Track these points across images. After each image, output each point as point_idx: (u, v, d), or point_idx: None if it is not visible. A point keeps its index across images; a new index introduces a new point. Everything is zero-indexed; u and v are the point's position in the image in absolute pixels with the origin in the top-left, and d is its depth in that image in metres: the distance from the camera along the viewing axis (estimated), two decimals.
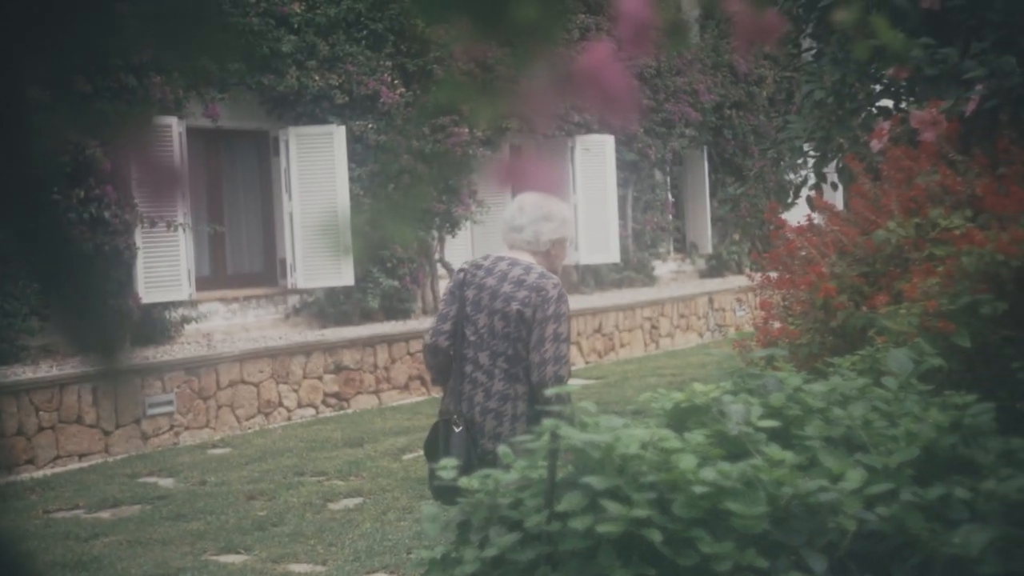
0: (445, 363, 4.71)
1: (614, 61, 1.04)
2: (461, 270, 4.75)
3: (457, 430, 4.58)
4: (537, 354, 4.53)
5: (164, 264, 12.29)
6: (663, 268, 19.78)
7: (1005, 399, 3.94)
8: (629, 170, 18.42)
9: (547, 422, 3.10)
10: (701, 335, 17.74)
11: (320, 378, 12.33)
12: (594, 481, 2.87)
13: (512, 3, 0.96)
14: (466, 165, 14.74)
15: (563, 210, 4.86)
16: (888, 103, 7.04)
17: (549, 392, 4.17)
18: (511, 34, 0.98)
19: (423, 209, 14.22)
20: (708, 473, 2.86)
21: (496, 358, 4.59)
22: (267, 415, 11.82)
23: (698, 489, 2.82)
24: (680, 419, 3.37)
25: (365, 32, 13.98)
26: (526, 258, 4.69)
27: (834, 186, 7.39)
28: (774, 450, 3.06)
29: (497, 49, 1.06)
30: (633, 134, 17.90)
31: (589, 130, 17.07)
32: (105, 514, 8.32)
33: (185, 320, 12.60)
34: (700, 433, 3.14)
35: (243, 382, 11.65)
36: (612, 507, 2.78)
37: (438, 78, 14.30)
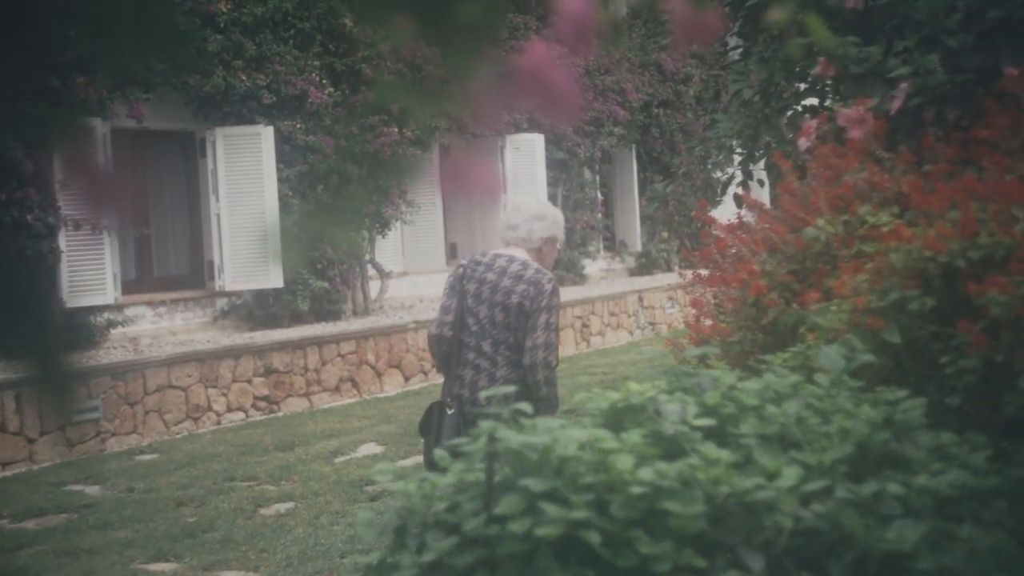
0: (449, 351, 5.11)
1: (556, 61, 1.02)
2: (460, 266, 5.21)
3: (449, 412, 5.08)
4: (530, 340, 4.98)
5: (89, 268, 12.12)
6: (593, 266, 19.83)
7: (933, 394, 3.98)
8: (559, 169, 18.46)
9: (484, 424, 3.08)
10: (631, 333, 17.81)
11: (249, 381, 12.21)
12: (532, 483, 2.85)
13: (455, 2, 0.94)
14: (396, 165, 14.64)
15: (555, 212, 5.37)
16: (814, 101, 7.10)
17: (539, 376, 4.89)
18: (454, 33, 0.95)
19: (357, 210, 14.14)
20: (645, 473, 2.85)
21: (499, 346, 5.03)
22: (196, 420, 11.69)
23: (636, 490, 2.82)
24: (616, 419, 3.36)
25: (292, 31, 13.88)
26: (521, 254, 5.16)
27: (761, 183, 7.44)
28: (710, 449, 3.07)
29: (437, 48, 1.04)
30: (562, 133, 17.94)
31: (519, 129, 17.08)
32: (30, 524, 8.18)
33: (111, 324, 12.42)
34: (636, 433, 3.13)
35: (171, 387, 11.50)
36: (550, 509, 2.77)
37: (371, 77, 14.23)
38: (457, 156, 16.36)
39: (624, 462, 2.90)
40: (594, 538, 2.76)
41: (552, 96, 1.02)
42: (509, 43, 14.32)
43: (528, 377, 4.98)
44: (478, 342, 5.06)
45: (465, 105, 1.01)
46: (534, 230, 5.21)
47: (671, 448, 3.18)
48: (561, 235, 5.38)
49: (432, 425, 5.16)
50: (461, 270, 5.17)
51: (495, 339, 5.04)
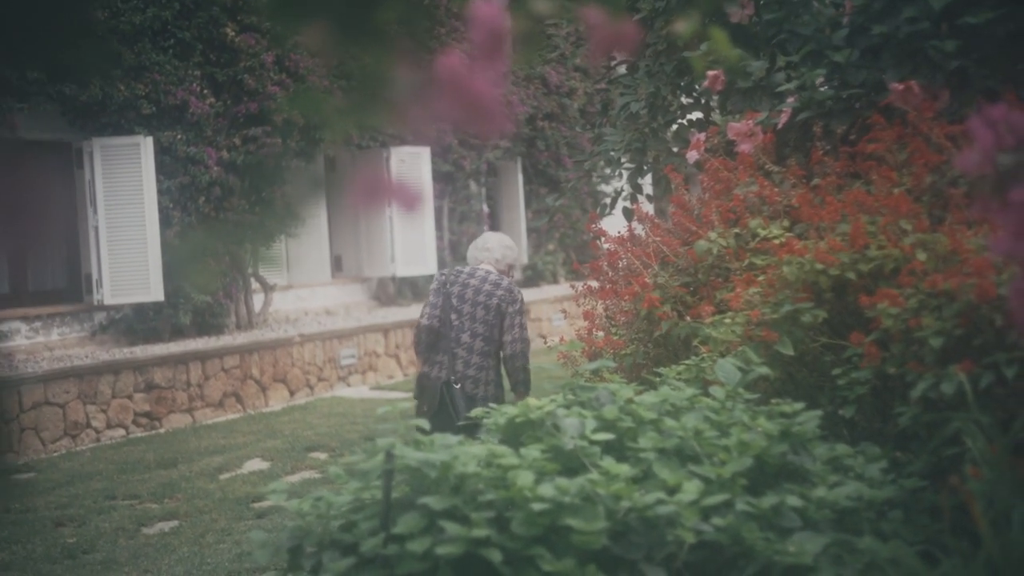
0: (433, 340, 6.50)
1: (481, 71, 0.97)
2: (442, 274, 6.69)
3: (457, 387, 6.41)
4: (508, 335, 6.47)
5: None
6: None
7: (826, 405, 4.01)
8: (444, 181, 18.41)
9: (381, 441, 3.02)
10: None
11: (130, 397, 11.93)
12: (431, 501, 2.80)
13: (375, 8, 0.89)
14: (279, 176, 14.48)
15: (515, 245, 6.97)
16: (700, 115, 7.16)
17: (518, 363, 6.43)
18: (372, 39, 0.90)
19: (235, 222, 13.92)
20: (546, 489, 2.82)
21: (475, 338, 6.46)
22: (74, 437, 11.37)
23: (537, 506, 2.78)
24: (514, 434, 3.33)
25: (172, 40, 13.61)
26: (493, 270, 6.65)
27: (649, 198, 7.48)
28: (610, 464, 3.04)
29: (356, 56, 0.98)
30: (448, 145, 17.90)
31: (404, 141, 16.99)
32: None
33: None
34: (536, 448, 3.10)
35: (48, 403, 11.18)
36: (451, 528, 2.72)
37: (296, 88, 14.02)
38: (373, 169, 16.22)
39: (524, 478, 2.87)
40: (495, 556, 2.72)
41: (476, 107, 0.97)
42: (430, 55, 14.19)
43: (507, 364, 6.50)
44: (459, 334, 6.47)
45: (387, 117, 0.96)
46: (506, 256, 6.78)
47: (570, 463, 3.15)
48: (516, 263, 7.14)
49: (446, 401, 6.40)
50: (444, 277, 6.63)
51: (473, 331, 6.46)
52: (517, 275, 20.66)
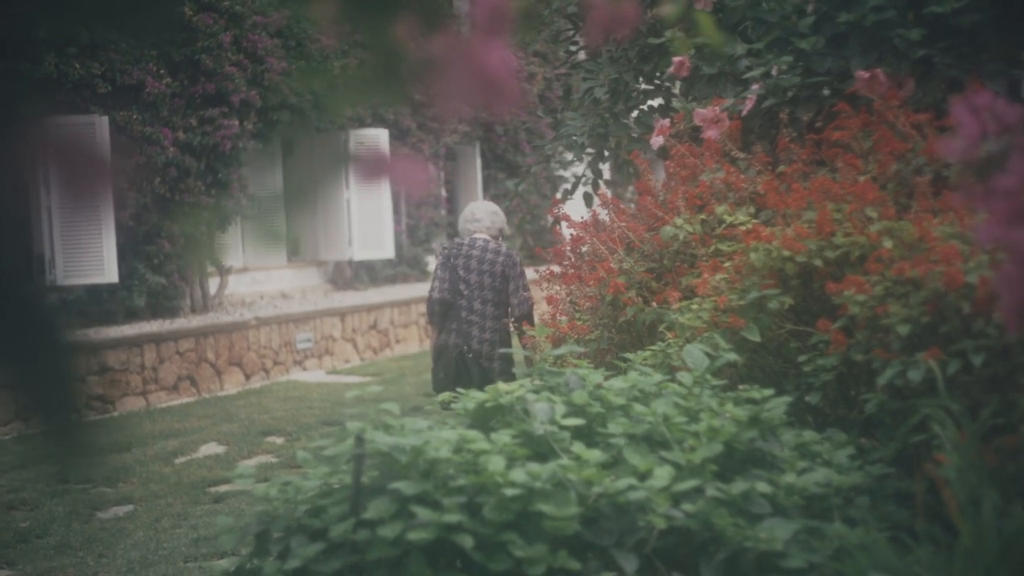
0: (446, 310, 7.05)
1: (494, 45, 0.95)
2: (444, 247, 7.40)
3: (470, 356, 6.98)
4: (515, 298, 7.02)
5: None
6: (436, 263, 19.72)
7: (791, 391, 4.02)
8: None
9: (351, 425, 3.00)
10: None
11: (83, 380, 11.81)
12: (402, 486, 2.78)
13: None
14: (236, 158, 14.36)
15: (500, 210, 7.46)
16: (660, 101, 7.16)
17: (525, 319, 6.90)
18: (386, 14, 0.88)
19: (191, 204, 13.79)
20: (518, 475, 2.81)
21: (486, 304, 7.02)
22: (25, 420, 11.24)
23: (509, 491, 2.77)
24: (484, 419, 3.31)
25: None
26: (488, 237, 7.17)
27: (608, 183, 7.48)
28: (580, 449, 3.03)
29: (360, 28, 0.95)
30: (406, 128, 17.83)
31: (363, 124, 16.91)
32: None
33: None
34: (506, 433, 3.09)
35: None
36: (422, 513, 2.70)
37: (295, 64, 13.87)
38: (390, 152, 16.12)
39: (496, 463, 2.85)
40: (467, 541, 2.70)
41: (490, 82, 0.95)
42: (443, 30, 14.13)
43: (518, 319, 6.95)
44: (470, 303, 7.01)
45: (399, 94, 0.93)
46: (495, 222, 7.27)
47: (540, 448, 3.13)
48: (507, 228, 7.44)
49: (459, 371, 7.02)
50: (447, 251, 7.20)
51: (483, 298, 7.01)
52: None
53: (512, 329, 7.02)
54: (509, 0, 1.16)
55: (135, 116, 13.45)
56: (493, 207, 7.43)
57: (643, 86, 7.22)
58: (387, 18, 0.87)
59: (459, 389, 6.78)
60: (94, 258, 13.06)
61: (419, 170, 1.09)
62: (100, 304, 13.59)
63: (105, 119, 13.10)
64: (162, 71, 13.77)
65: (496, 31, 1.14)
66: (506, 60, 0.96)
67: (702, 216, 4.89)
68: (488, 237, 7.21)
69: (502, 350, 6.93)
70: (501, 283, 7.03)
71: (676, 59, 5.81)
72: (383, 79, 0.88)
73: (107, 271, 13.16)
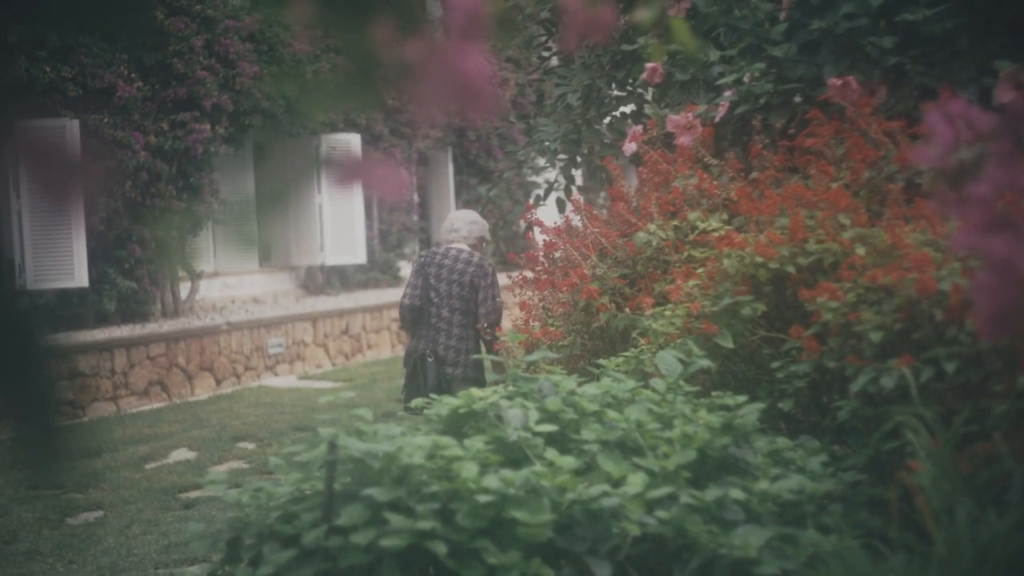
0: (417, 316, 7.18)
1: (469, 51, 0.94)
2: (420, 255, 7.39)
3: (431, 360, 7.10)
4: (483, 308, 7.12)
5: None
6: (409, 268, 19.69)
7: (764, 398, 4.02)
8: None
9: (323, 431, 2.98)
10: None
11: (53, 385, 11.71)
12: (375, 493, 2.76)
13: None
14: (207, 163, 14.30)
15: (481, 218, 7.52)
16: (633, 108, 7.17)
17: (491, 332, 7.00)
18: (362, 18, 0.87)
19: (162, 208, 13.73)
20: (491, 481, 2.79)
21: (454, 312, 7.12)
22: None
23: (482, 498, 2.76)
24: (457, 425, 3.30)
25: None
26: (465, 247, 7.26)
27: (580, 189, 7.48)
28: (554, 455, 3.02)
29: (337, 33, 0.94)
30: (378, 133, 17.79)
31: (335, 129, 16.87)
32: None
33: None
34: (479, 439, 3.07)
35: None
36: (395, 519, 2.68)
37: (268, 68, 13.80)
38: (364, 156, 16.08)
39: (469, 470, 2.84)
40: (440, 548, 2.69)
41: (467, 88, 0.94)
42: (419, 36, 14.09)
43: (483, 333, 7.12)
44: (439, 310, 7.13)
45: (375, 99, 0.92)
46: (472, 231, 7.35)
47: (514, 455, 3.12)
48: (488, 235, 7.54)
49: (420, 373, 7.14)
50: (422, 259, 7.31)
51: (451, 307, 7.11)
52: None
53: (485, 337, 7.13)
54: (484, 6, 1.16)
55: (106, 120, 13.38)
56: (472, 216, 7.49)
57: (616, 92, 7.23)
58: (361, 22, 0.86)
59: (408, 393, 7.11)
60: (64, 262, 12.97)
61: (394, 175, 1.08)
62: (70, 308, 13.50)
63: (76, 123, 13.02)
64: (133, 75, 13.70)
65: (471, 36, 1.13)
66: (481, 65, 0.95)
67: (675, 222, 4.89)
68: (465, 247, 7.31)
69: (475, 356, 6.98)
70: (470, 292, 7.13)
71: (649, 65, 5.82)
72: (357, 84, 0.87)
73: (77, 275, 13.08)
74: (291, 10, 0.90)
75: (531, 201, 6.64)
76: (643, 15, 2.10)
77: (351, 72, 0.87)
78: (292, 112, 15.17)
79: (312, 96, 1.06)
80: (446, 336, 7.13)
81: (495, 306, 7.19)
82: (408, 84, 0.94)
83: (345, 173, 1.02)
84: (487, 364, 7.00)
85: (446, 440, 2.94)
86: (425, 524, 2.69)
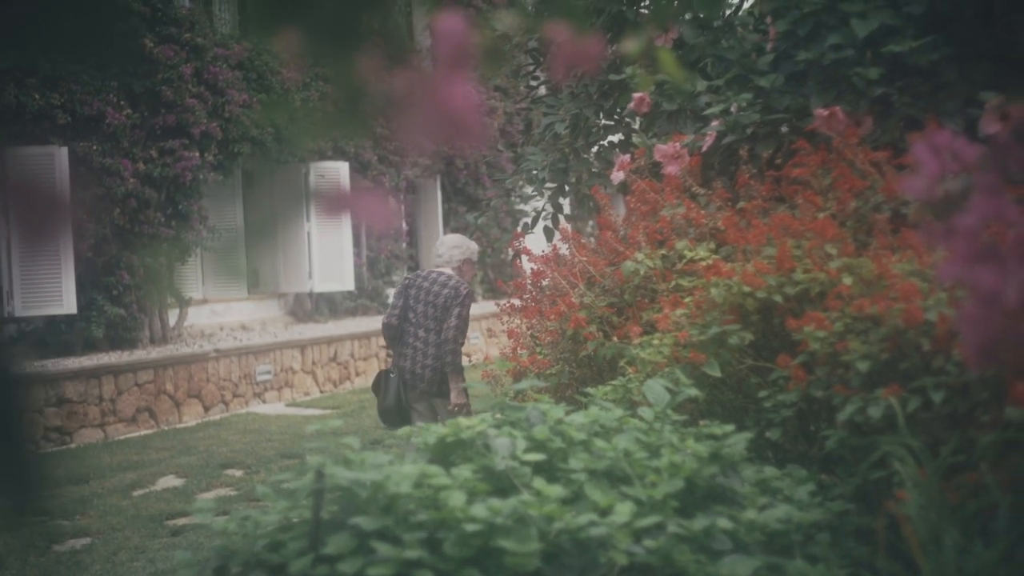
0: (396, 334, 7.53)
1: (457, 81, 0.95)
2: (406, 278, 7.74)
3: (392, 376, 7.51)
4: (446, 324, 7.35)
5: None
6: None
7: (751, 427, 4.03)
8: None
9: (311, 460, 2.97)
10: None
11: (40, 412, 11.69)
12: (362, 522, 2.76)
13: (359, 14, 0.86)
14: (196, 190, 14.30)
15: (469, 242, 7.74)
16: (622, 137, 7.20)
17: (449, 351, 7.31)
18: (352, 49, 0.87)
19: (150, 235, 13.72)
20: (479, 510, 2.79)
21: (429, 333, 7.41)
22: None
23: (469, 527, 2.75)
24: (444, 453, 3.29)
25: None
26: (448, 271, 7.57)
27: (567, 218, 7.51)
28: (541, 484, 3.02)
29: (327, 65, 0.95)
30: (367, 161, 17.82)
31: (323, 156, 16.89)
32: None
33: None
34: (467, 468, 3.07)
35: None
36: (382, 548, 2.68)
37: (257, 96, 13.82)
38: (352, 187, 16.12)
39: (456, 499, 2.83)
40: None
41: (455, 119, 0.95)
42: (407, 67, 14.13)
43: (440, 348, 7.38)
44: (415, 330, 7.45)
45: (363, 129, 0.93)
46: (454, 256, 7.61)
47: (501, 484, 3.12)
48: (475, 257, 7.79)
49: (381, 387, 7.57)
50: (407, 281, 7.66)
51: (427, 328, 7.41)
52: None
53: (445, 357, 7.39)
54: (471, 36, 1.17)
55: (95, 147, 13.40)
56: (455, 241, 7.73)
57: (604, 122, 7.27)
58: (349, 52, 0.87)
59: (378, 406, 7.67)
60: (53, 289, 12.96)
61: (381, 205, 1.08)
62: (58, 335, 13.48)
63: (64, 150, 13.03)
64: (122, 102, 13.72)
65: (459, 66, 1.14)
66: (468, 95, 0.96)
67: (663, 251, 4.91)
68: (447, 271, 7.60)
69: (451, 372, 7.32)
70: (443, 314, 7.41)
71: (636, 95, 5.85)
72: (345, 113, 0.87)
73: (66, 302, 13.07)
74: (280, 39, 0.91)
75: (519, 229, 6.66)
76: (631, 46, 2.11)
77: (338, 101, 0.88)
78: (281, 140, 15.18)
79: (301, 124, 1.06)
80: (422, 355, 7.42)
81: (457, 325, 7.41)
82: (395, 114, 0.95)
83: (333, 204, 1.03)
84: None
85: (433, 469, 2.94)
86: (412, 553, 2.68)
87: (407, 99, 0.94)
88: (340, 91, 0.88)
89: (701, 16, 6.00)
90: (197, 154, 14.12)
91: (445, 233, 20.64)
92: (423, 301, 7.49)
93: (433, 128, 0.94)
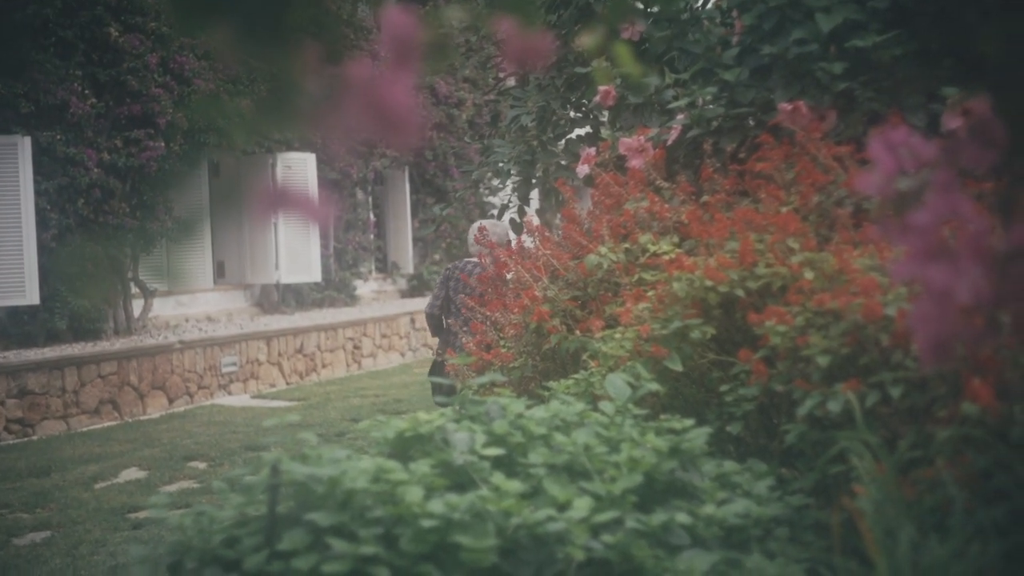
0: (439, 324, 8.11)
1: (395, 80, 0.93)
2: (447, 268, 8.25)
3: (439, 360, 7.95)
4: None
5: None
6: (365, 288, 19.67)
7: (713, 421, 4.03)
8: (331, 189, 18.26)
9: (266, 455, 2.95)
10: (403, 355, 17.74)
11: (2, 403, 11.59)
12: (318, 517, 2.74)
13: (286, 10, 0.84)
14: (162, 180, 14.21)
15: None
16: (588, 130, 7.20)
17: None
18: (282, 45, 0.85)
19: (115, 226, 13.60)
20: (436, 505, 2.77)
21: (459, 319, 7.60)
22: None
23: (426, 523, 2.73)
24: (403, 448, 3.27)
25: (53, 39, 13.29)
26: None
27: (538, 211, 7.51)
28: (500, 479, 3.01)
29: (262, 60, 0.93)
30: (335, 153, 17.75)
31: (290, 147, 16.81)
32: None
33: None
34: (425, 463, 3.05)
35: None
36: (338, 544, 2.66)
37: (198, 91, 13.72)
38: (285, 184, 16.04)
39: (413, 494, 2.82)
40: (383, 574, 2.66)
41: (389, 117, 0.93)
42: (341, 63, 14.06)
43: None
44: (455, 319, 7.76)
45: (295, 126, 0.91)
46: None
47: (460, 479, 3.10)
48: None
49: (438, 375, 7.92)
50: (448, 272, 8.19)
51: (458, 314, 7.66)
52: (402, 284, 20.61)
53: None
54: (417, 32, 1.15)
55: (59, 136, 13.29)
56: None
57: (572, 114, 7.25)
58: (282, 47, 0.85)
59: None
60: (15, 279, 12.86)
61: (310, 205, 1.06)
62: (21, 326, 13.37)
63: (28, 139, 12.92)
64: (87, 91, 13.60)
65: (404, 61, 1.12)
66: (406, 93, 0.94)
67: (626, 245, 4.90)
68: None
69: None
70: None
71: (601, 88, 5.84)
72: (275, 108, 0.86)
73: (28, 292, 12.97)
74: (215, 32, 0.89)
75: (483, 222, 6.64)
76: (586, 41, 2.10)
77: (271, 95, 0.86)
78: (267, 135, 15.11)
79: (234, 120, 1.05)
80: (459, 340, 7.71)
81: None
82: (329, 109, 0.93)
83: (265, 202, 1.01)
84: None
85: (391, 464, 2.92)
86: (368, 549, 2.66)
87: (342, 95, 0.92)
88: (270, 85, 0.87)
89: (655, 11, 6.00)
90: (162, 144, 14.03)
91: (414, 226, 20.62)
92: (461, 291, 7.80)
93: (366, 125, 0.93)
